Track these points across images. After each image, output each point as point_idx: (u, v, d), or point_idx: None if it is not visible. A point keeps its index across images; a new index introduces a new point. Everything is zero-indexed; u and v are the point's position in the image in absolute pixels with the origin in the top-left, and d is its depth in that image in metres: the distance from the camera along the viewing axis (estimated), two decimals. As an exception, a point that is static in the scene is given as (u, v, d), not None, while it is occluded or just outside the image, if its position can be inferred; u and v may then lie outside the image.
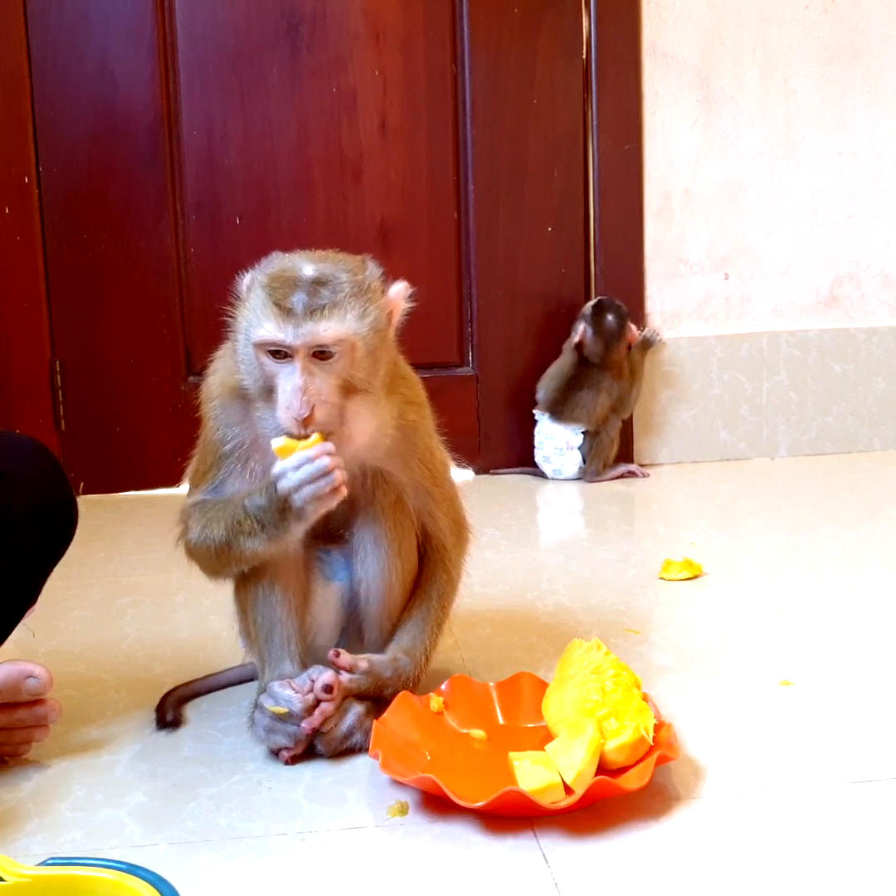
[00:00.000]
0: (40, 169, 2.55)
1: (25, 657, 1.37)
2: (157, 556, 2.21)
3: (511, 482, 2.68)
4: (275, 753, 1.37)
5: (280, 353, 1.28)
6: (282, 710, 1.34)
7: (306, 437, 1.28)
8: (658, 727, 1.29)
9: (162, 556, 2.21)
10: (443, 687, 1.44)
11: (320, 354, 1.28)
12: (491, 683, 1.46)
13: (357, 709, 1.38)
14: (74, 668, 1.66)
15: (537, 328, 2.73)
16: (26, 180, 2.54)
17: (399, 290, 1.36)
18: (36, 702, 1.35)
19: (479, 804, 1.19)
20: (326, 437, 1.29)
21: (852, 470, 2.67)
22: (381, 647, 1.44)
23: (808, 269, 2.78)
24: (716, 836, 1.18)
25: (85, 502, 2.58)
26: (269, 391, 1.30)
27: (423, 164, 2.66)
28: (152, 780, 1.34)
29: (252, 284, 1.32)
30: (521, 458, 2.73)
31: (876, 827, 1.19)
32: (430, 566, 1.48)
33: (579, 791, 1.20)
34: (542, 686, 1.42)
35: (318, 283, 1.28)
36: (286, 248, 2.83)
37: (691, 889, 1.10)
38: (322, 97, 2.60)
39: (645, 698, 1.33)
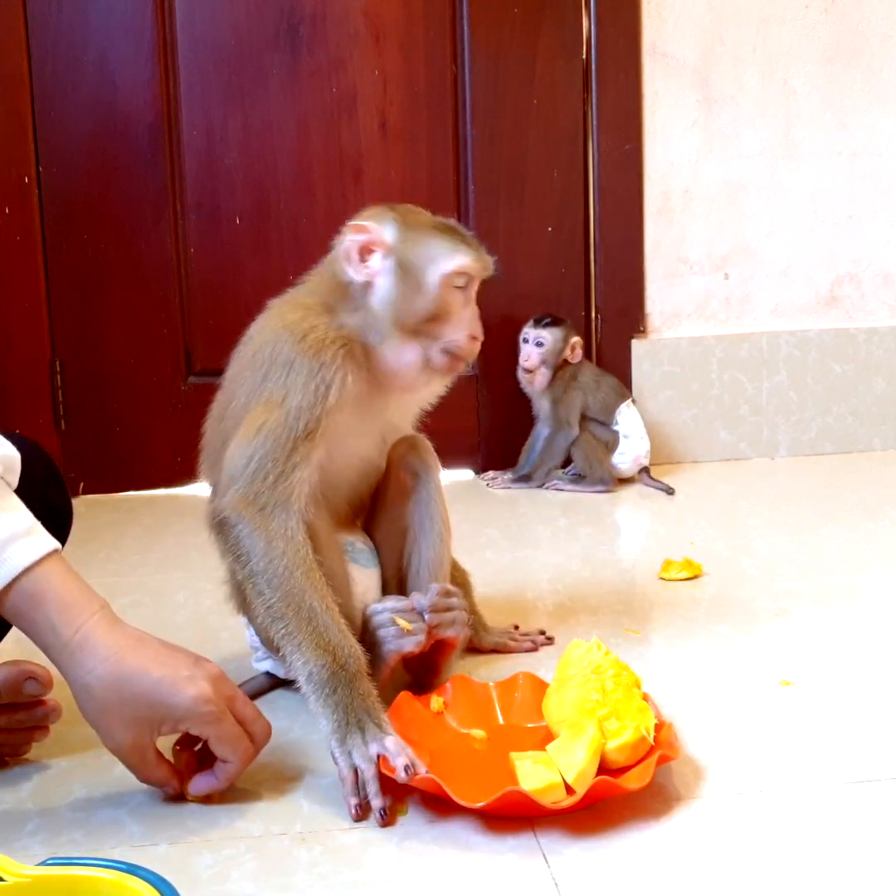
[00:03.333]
0: (40, 169, 2.54)
1: (25, 658, 1.37)
2: (157, 556, 2.21)
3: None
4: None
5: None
6: (408, 625, 1.43)
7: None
8: (659, 727, 1.29)
9: (162, 556, 2.21)
10: (443, 687, 1.44)
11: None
12: (491, 683, 1.46)
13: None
14: (74, 669, 1.66)
15: (537, 328, 2.72)
16: (26, 180, 2.53)
17: None
18: (36, 703, 1.35)
19: (479, 804, 1.19)
20: None
21: (852, 470, 2.67)
22: None
23: (808, 269, 2.78)
24: (716, 836, 1.19)
25: (85, 502, 2.59)
26: (432, 319, 1.42)
27: (423, 164, 2.66)
28: (152, 780, 1.34)
29: (407, 230, 1.42)
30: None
31: (876, 827, 1.19)
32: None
33: (580, 791, 1.20)
34: (542, 686, 1.42)
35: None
36: (286, 248, 2.82)
37: (691, 889, 1.10)
38: (322, 97, 2.60)
39: (645, 698, 1.34)
